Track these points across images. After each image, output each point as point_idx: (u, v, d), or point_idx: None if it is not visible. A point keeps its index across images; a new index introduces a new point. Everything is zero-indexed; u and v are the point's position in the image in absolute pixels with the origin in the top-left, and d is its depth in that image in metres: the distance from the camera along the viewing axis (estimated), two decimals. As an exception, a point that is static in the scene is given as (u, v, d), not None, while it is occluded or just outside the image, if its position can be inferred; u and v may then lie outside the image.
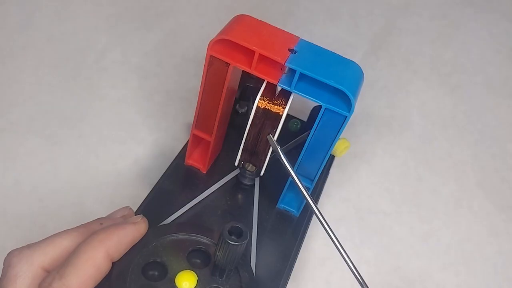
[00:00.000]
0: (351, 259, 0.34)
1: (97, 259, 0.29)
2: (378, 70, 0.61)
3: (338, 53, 0.35)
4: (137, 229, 0.32)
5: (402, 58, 0.63)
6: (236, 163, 0.41)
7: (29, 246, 0.30)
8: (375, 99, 0.57)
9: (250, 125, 0.37)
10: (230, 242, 0.29)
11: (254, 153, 0.39)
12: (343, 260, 0.45)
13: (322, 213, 0.34)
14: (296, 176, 0.35)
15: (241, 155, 0.40)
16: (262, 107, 0.36)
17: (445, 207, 0.50)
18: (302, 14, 0.65)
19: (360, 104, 0.48)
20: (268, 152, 0.39)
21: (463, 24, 0.68)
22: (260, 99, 0.36)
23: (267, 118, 0.37)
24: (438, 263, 0.46)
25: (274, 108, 0.36)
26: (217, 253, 0.30)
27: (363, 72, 0.35)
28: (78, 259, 0.29)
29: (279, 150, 0.35)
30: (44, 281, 0.28)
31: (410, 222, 0.48)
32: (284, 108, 0.36)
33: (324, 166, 0.38)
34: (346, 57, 0.35)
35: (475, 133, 0.57)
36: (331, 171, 0.48)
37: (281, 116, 0.36)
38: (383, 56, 0.62)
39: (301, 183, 0.35)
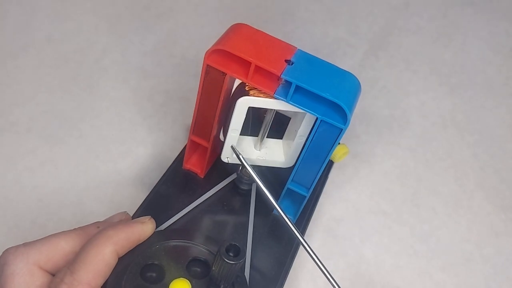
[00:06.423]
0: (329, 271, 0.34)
1: (105, 254, 0.29)
2: (378, 70, 0.61)
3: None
4: (144, 229, 0.32)
5: (402, 58, 0.63)
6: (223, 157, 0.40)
7: (25, 245, 0.30)
8: (375, 99, 0.57)
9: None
10: (227, 260, 0.29)
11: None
12: (342, 260, 0.45)
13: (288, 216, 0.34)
14: (262, 184, 0.35)
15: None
16: None
17: (445, 207, 0.50)
18: (302, 14, 0.65)
19: (360, 104, 0.48)
20: None
21: (463, 24, 0.68)
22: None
23: None
24: (438, 263, 0.46)
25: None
26: (213, 268, 0.30)
27: (360, 83, 0.35)
28: (87, 254, 0.29)
29: (242, 159, 0.35)
30: (56, 277, 0.29)
31: (410, 222, 0.48)
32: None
33: (322, 172, 0.38)
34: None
35: (475, 133, 0.57)
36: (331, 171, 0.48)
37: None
38: (383, 56, 0.62)
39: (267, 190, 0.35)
